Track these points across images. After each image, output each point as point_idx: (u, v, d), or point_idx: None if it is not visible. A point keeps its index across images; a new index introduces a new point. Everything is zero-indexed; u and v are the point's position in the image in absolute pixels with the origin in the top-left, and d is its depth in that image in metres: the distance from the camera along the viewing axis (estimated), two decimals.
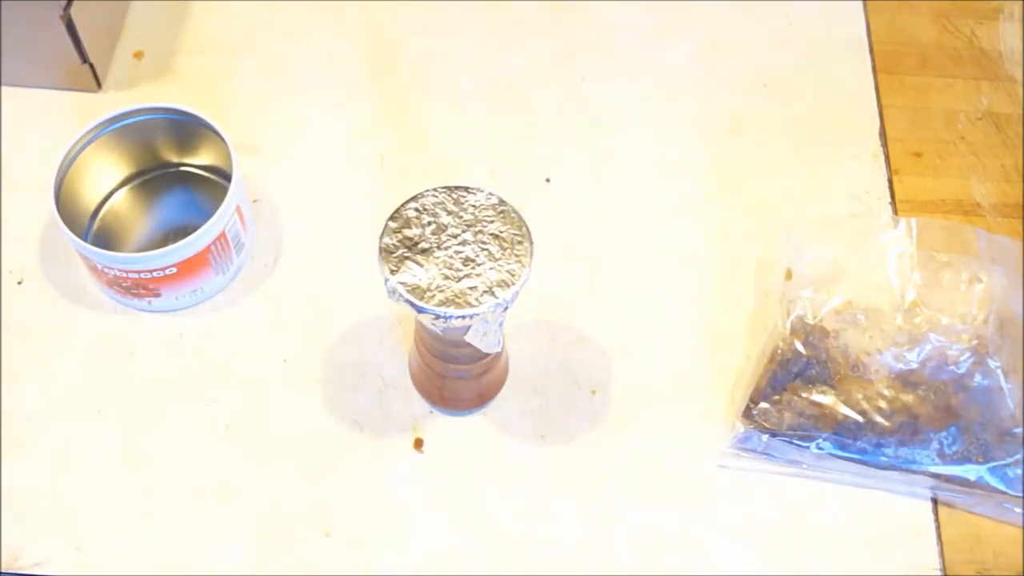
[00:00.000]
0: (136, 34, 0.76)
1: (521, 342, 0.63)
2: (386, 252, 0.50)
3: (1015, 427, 0.57)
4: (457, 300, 0.49)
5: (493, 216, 0.51)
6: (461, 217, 0.51)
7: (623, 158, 0.71)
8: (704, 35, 0.77)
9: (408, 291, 0.49)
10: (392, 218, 0.51)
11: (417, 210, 0.51)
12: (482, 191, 0.52)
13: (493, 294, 0.49)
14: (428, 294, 0.49)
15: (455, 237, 0.50)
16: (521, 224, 0.51)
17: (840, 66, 0.76)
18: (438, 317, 0.49)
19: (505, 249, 0.50)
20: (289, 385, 0.62)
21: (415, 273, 0.49)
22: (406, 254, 0.50)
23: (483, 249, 0.50)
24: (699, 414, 0.61)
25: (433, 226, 0.51)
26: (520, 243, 0.50)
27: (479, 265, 0.50)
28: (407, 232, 0.51)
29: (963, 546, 0.58)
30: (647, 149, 0.71)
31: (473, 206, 0.51)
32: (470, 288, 0.49)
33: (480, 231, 0.51)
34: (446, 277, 0.49)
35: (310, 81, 0.74)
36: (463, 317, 0.49)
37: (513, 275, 0.50)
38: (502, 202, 0.52)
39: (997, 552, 0.58)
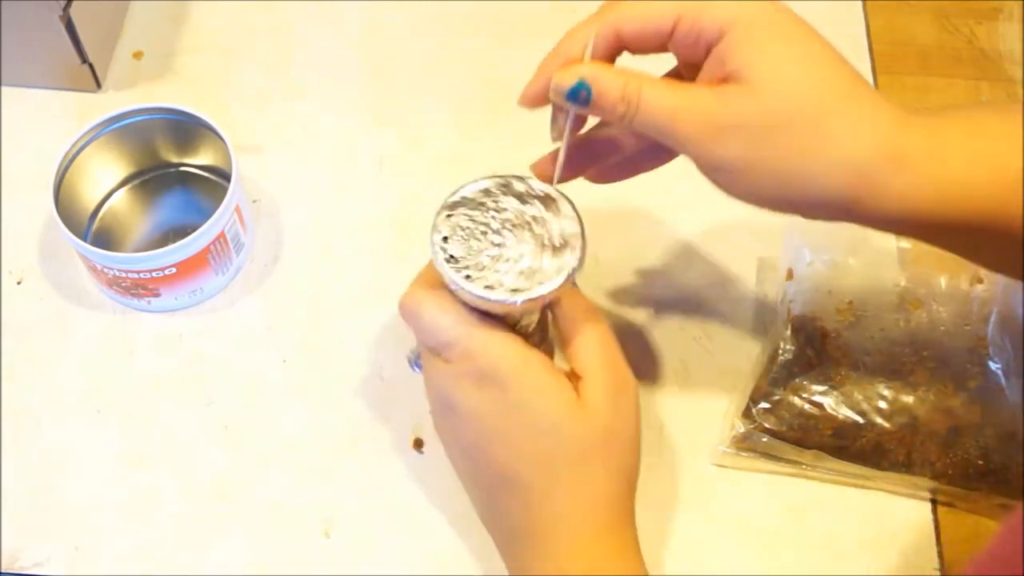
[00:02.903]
0: (136, 34, 0.76)
1: None
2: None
3: (1016, 428, 0.57)
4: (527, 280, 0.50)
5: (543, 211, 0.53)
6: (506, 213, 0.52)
7: None
8: None
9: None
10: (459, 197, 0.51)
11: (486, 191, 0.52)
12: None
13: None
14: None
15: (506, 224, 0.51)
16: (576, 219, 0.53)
17: None
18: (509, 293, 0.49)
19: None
20: (289, 385, 0.62)
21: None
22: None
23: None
24: (699, 414, 0.61)
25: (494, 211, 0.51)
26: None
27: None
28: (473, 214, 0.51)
29: (963, 546, 0.58)
30: None
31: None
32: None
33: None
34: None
35: (310, 81, 0.74)
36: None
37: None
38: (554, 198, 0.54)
39: None
